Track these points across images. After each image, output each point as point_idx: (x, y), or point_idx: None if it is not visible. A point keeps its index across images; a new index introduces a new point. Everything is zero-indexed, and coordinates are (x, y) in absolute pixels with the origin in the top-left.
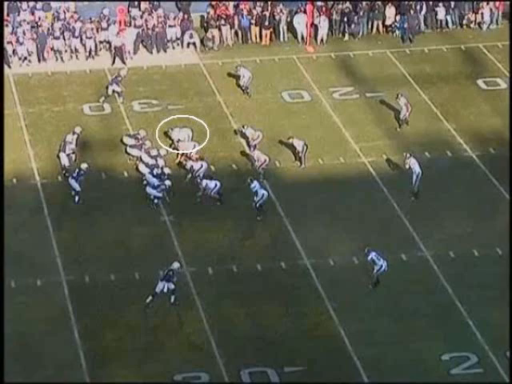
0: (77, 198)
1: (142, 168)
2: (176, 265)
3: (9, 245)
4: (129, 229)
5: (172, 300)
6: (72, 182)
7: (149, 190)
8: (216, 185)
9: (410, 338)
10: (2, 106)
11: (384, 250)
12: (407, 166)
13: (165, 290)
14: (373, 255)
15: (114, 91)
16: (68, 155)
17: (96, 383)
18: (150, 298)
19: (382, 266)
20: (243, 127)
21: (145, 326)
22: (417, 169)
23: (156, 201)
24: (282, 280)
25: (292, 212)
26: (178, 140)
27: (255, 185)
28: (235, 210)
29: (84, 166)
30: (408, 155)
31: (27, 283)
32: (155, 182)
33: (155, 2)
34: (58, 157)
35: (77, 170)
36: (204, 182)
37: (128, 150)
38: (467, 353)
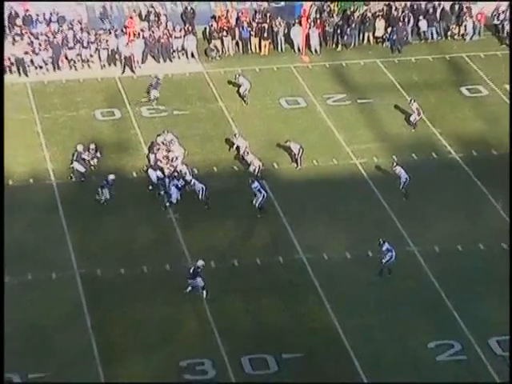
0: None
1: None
2: (201, 262)
3: (25, 241)
4: (137, 226)
5: (204, 295)
6: (105, 190)
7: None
8: (202, 188)
9: (399, 327)
10: (2, 107)
11: (374, 246)
12: (396, 172)
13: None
14: (387, 246)
15: (154, 96)
16: (84, 160)
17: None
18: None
19: (392, 256)
20: (235, 136)
21: (153, 317)
22: (403, 175)
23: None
24: (279, 274)
25: (289, 210)
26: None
27: (256, 185)
28: (236, 208)
29: (111, 177)
30: (394, 164)
31: (43, 277)
32: (177, 183)
33: (161, 16)
34: (72, 167)
35: (104, 181)
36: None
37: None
38: (452, 341)
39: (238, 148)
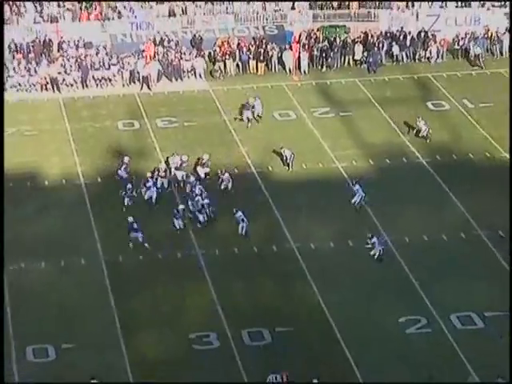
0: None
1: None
2: (181, 206)
3: (59, 232)
4: (153, 220)
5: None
6: (179, 222)
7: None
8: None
9: (375, 305)
10: (2, 110)
11: (354, 236)
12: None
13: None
14: (375, 239)
15: (247, 117)
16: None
17: None
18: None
19: (381, 250)
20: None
21: (166, 296)
22: (361, 193)
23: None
24: (273, 260)
25: (282, 206)
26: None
27: (240, 214)
28: (237, 203)
29: (181, 207)
30: (354, 182)
31: (74, 262)
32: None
33: (174, 41)
34: (118, 174)
35: (175, 210)
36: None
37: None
38: (419, 316)
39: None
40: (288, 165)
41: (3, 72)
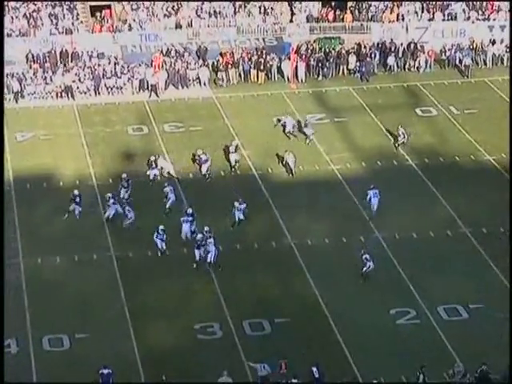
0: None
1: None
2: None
3: (73, 229)
4: (160, 218)
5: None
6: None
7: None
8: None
9: (367, 297)
10: (2, 114)
11: (347, 233)
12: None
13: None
14: (366, 256)
15: (306, 134)
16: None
17: None
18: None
19: (370, 266)
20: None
21: (172, 289)
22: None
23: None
24: (272, 255)
25: (280, 205)
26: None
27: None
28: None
29: (206, 228)
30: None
31: (86, 258)
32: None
33: (180, 52)
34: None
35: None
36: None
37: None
38: (408, 308)
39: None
40: (290, 170)
41: (3, 72)
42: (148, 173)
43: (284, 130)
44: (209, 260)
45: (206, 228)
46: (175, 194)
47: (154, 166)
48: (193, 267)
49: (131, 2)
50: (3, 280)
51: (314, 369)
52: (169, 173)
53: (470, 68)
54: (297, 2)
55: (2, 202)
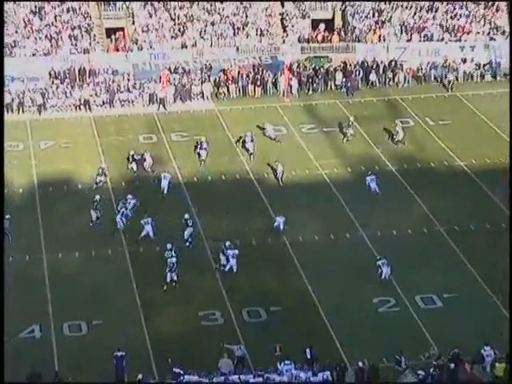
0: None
1: None
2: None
3: (89, 227)
4: (167, 217)
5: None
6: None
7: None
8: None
9: (353, 288)
10: (2, 117)
11: (335, 231)
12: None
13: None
14: (379, 262)
15: (345, 134)
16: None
17: None
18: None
19: (387, 271)
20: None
21: (179, 280)
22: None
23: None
24: (269, 251)
25: (275, 206)
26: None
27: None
28: (238, 204)
29: (227, 243)
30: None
31: (102, 253)
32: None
33: (186, 69)
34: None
35: (223, 247)
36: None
37: None
38: (388, 297)
39: (277, 171)
40: (278, 179)
41: (3, 73)
42: (130, 166)
43: (242, 144)
44: (227, 268)
45: (228, 243)
46: (153, 227)
47: (133, 159)
48: (195, 263)
49: (142, 25)
50: (3, 280)
51: (308, 350)
52: (151, 167)
53: (453, 83)
54: (290, 25)
55: (2, 202)
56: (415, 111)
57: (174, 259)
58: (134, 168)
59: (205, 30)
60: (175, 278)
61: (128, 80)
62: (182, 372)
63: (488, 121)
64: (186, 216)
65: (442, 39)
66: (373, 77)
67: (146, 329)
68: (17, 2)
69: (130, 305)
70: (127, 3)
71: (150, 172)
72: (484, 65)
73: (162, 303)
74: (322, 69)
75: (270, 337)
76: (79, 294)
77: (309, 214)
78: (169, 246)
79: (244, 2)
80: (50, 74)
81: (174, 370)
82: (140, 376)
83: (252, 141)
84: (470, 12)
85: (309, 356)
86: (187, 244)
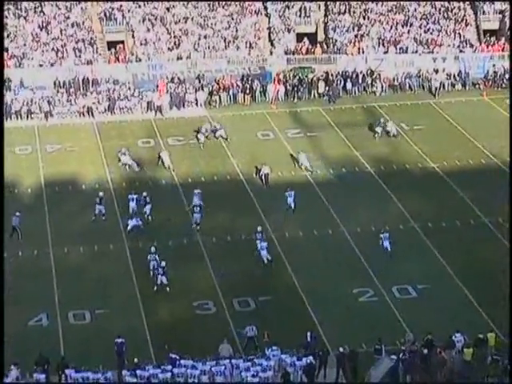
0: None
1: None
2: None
3: (92, 225)
4: (167, 214)
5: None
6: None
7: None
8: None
9: (334, 279)
10: (2, 118)
11: (318, 227)
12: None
13: None
14: (381, 235)
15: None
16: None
17: None
18: None
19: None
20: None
21: (176, 275)
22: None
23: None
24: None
25: (263, 204)
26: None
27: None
28: (229, 202)
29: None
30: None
31: (104, 248)
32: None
33: (181, 80)
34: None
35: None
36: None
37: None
38: (367, 288)
39: (262, 173)
40: (264, 182)
41: (3, 75)
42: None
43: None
44: (265, 259)
45: (259, 228)
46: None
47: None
48: (190, 257)
49: (140, 39)
50: (3, 280)
51: (309, 333)
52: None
53: (439, 90)
54: (276, 38)
55: (2, 203)
56: (391, 117)
57: (163, 263)
58: (135, 168)
59: (198, 43)
60: (165, 282)
61: (128, 89)
62: (177, 357)
63: (458, 126)
64: (197, 202)
65: (416, 51)
66: (348, 85)
67: (145, 318)
68: (26, 18)
69: (131, 296)
70: (127, 19)
71: (167, 169)
72: (454, 75)
73: (160, 294)
74: (306, 78)
75: (259, 324)
76: (83, 286)
77: (293, 211)
78: (153, 249)
79: (234, 17)
80: (55, 84)
81: (170, 355)
82: (136, 360)
83: None
84: (441, 27)
85: (309, 339)
86: (196, 226)
